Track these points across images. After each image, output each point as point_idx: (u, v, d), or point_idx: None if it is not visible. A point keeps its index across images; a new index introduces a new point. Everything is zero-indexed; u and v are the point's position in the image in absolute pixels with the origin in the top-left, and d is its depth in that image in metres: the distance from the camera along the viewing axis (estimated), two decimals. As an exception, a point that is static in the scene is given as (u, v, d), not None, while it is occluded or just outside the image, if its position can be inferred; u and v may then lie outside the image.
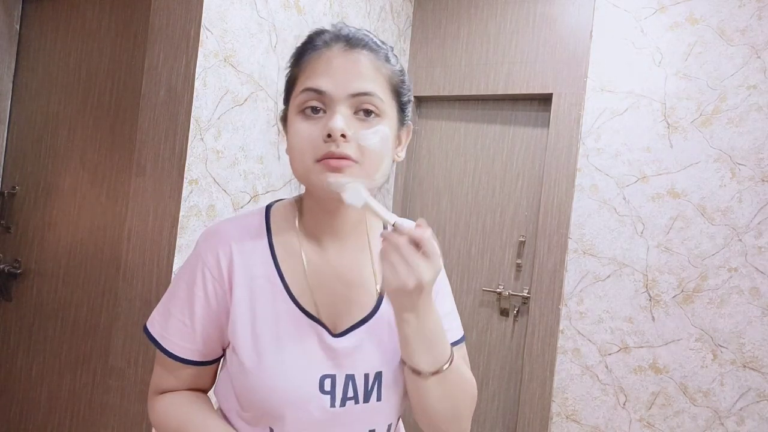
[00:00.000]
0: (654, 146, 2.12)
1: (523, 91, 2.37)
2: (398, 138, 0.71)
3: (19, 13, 1.92)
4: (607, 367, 2.15)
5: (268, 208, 0.76)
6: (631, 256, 2.13)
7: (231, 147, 1.58)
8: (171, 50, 1.45)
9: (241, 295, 0.68)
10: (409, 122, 0.73)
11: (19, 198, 1.89)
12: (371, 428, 0.69)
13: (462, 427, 0.71)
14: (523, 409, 2.28)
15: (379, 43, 0.68)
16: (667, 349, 2.06)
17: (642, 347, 2.10)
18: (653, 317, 2.08)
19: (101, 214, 1.72)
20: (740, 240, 1.97)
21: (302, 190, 0.82)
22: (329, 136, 0.61)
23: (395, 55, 0.70)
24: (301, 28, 1.84)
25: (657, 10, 2.14)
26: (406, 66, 2.65)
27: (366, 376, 0.68)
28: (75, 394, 1.73)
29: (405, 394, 0.71)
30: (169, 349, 0.70)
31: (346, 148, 0.62)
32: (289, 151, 0.68)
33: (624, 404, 2.12)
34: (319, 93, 0.63)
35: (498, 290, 2.44)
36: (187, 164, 1.42)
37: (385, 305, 0.72)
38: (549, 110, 2.34)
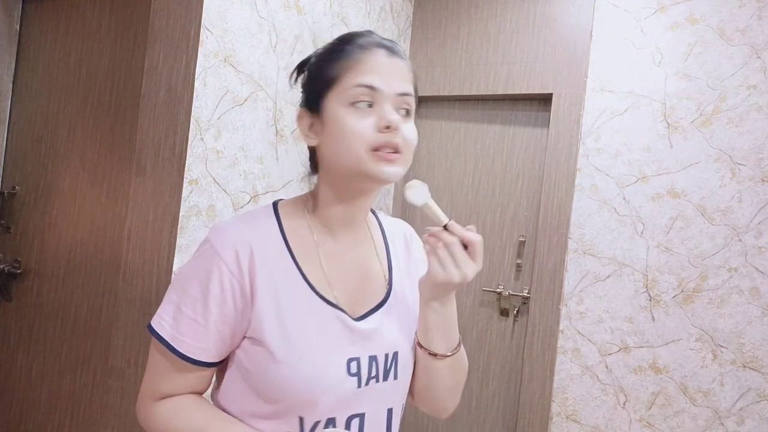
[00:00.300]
0: (654, 146, 2.11)
1: (523, 91, 2.37)
2: None
3: (19, 13, 1.92)
4: (607, 367, 2.15)
5: (275, 204, 0.77)
6: (631, 256, 2.13)
7: (231, 147, 1.58)
8: (171, 50, 1.45)
9: (265, 290, 0.69)
10: None
11: (19, 198, 1.89)
12: (389, 407, 0.75)
13: (457, 400, 0.83)
14: (523, 409, 2.28)
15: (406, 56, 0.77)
16: (667, 349, 2.06)
17: (642, 347, 2.10)
18: (653, 317, 2.08)
19: (101, 214, 1.72)
20: (740, 240, 1.97)
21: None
22: (387, 127, 0.68)
23: None
24: (301, 28, 1.83)
25: (657, 10, 2.14)
26: (406, 66, 2.64)
27: (386, 356, 0.74)
28: (75, 394, 1.73)
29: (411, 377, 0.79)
30: (182, 350, 0.68)
31: (399, 139, 0.70)
32: (332, 141, 0.71)
33: (624, 404, 2.12)
34: (372, 89, 0.69)
35: (498, 290, 2.44)
36: (187, 164, 1.42)
37: (395, 291, 0.80)
38: (549, 110, 2.34)
